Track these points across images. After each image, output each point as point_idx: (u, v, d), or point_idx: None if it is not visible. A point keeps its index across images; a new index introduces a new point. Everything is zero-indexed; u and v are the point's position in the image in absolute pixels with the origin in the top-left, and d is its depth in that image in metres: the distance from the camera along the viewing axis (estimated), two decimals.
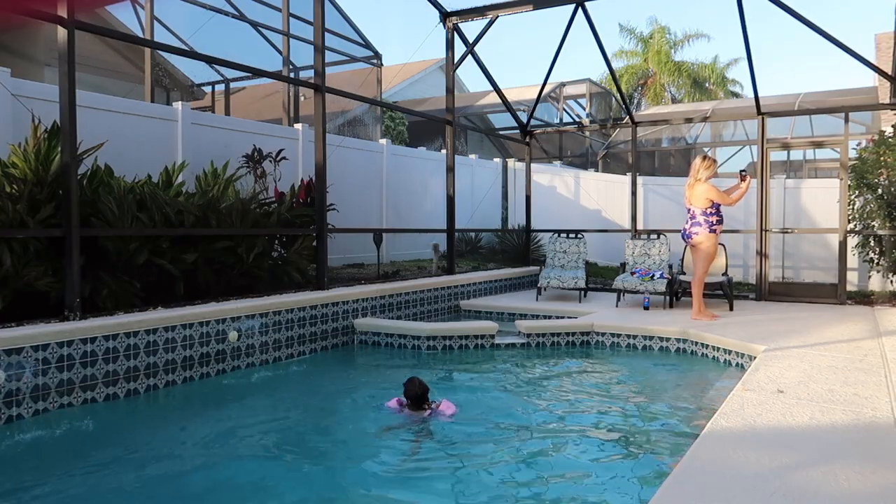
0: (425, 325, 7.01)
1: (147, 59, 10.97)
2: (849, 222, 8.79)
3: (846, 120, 8.98)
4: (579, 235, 9.67)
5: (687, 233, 7.46)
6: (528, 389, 5.37)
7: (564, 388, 5.45)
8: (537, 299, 8.93)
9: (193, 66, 12.74)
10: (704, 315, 7.22)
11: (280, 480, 3.54)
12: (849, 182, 8.73)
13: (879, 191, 8.55)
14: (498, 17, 9.29)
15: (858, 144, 10.50)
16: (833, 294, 8.68)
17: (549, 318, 7.84)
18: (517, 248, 12.32)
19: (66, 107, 4.89)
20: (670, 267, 8.59)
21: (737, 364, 5.80)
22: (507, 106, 11.21)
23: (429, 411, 4.38)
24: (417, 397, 4.40)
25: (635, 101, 28.31)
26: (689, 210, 7.44)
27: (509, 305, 8.54)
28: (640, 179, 12.58)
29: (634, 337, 6.78)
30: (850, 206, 8.84)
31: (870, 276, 10.28)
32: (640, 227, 10.67)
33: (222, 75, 12.98)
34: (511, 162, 14.15)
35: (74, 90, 4.93)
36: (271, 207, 7.21)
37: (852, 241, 8.99)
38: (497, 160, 14.52)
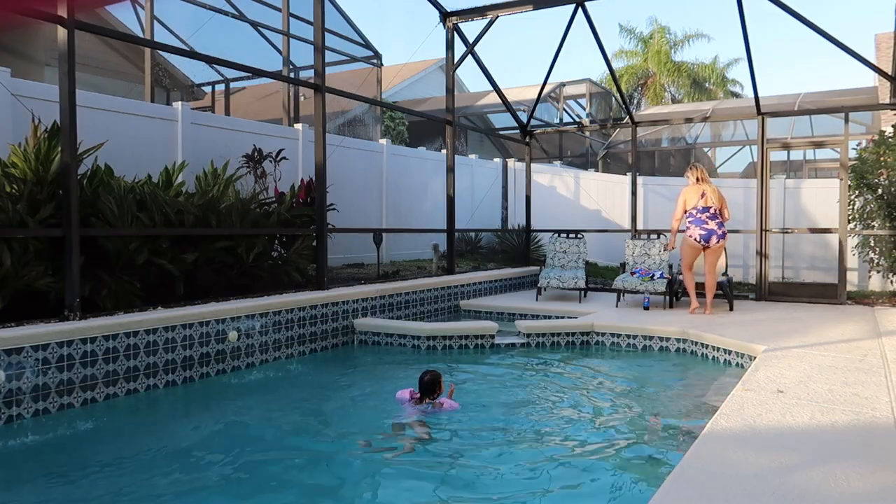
0: (425, 325, 7.01)
1: (147, 59, 10.96)
2: (849, 222, 8.79)
3: (846, 120, 8.97)
4: (579, 235, 9.67)
5: (720, 233, 7.56)
6: (527, 390, 5.37)
7: (564, 388, 5.45)
8: (537, 299, 8.93)
9: (193, 66, 12.73)
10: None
11: (280, 479, 3.54)
12: (849, 182, 8.73)
13: (879, 191, 8.55)
14: (498, 17, 9.29)
15: (858, 144, 10.51)
16: (833, 294, 8.67)
17: (549, 318, 7.83)
18: (517, 248, 12.32)
19: (66, 107, 4.88)
20: (670, 267, 8.58)
21: (737, 364, 5.80)
22: (507, 106, 11.21)
23: (430, 405, 4.45)
24: (425, 385, 4.50)
25: (635, 101, 28.30)
26: (708, 208, 7.58)
27: (509, 305, 8.54)
28: (640, 179, 12.58)
29: (634, 337, 6.78)
30: (850, 206, 8.84)
31: (870, 276, 10.29)
32: (640, 227, 10.67)
33: (222, 75, 12.98)
34: (511, 162, 14.15)
35: (74, 90, 4.93)
36: (271, 207, 7.21)
37: (852, 241, 8.98)
38: (497, 160, 14.52)
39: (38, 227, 5.03)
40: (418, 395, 4.54)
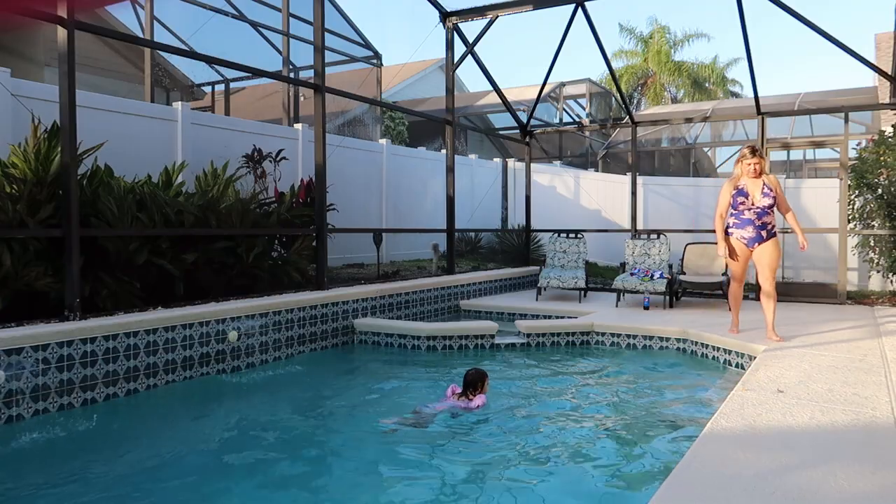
0: (425, 325, 7.01)
1: (147, 59, 10.97)
2: (849, 222, 8.79)
3: (846, 120, 8.97)
4: (579, 235, 9.66)
5: None
6: (527, 390, 5.36)
7: (564, 388, 5.45)
8: (537, 299, 8.93)
9: (193, 66, 12.74)
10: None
11: (281, 479, 3.54)
12: (849, 182, 8.73)
13: (879, 191, 8.55)
14: (498, 17, 9.29)
15: (858, 144, 10.51)
16: (833, 294, 8.67)
17: (549, 318, 7.83)
18: (517, 248, 12.32)
19: (66, 107, 4.88)
20: (670, 267, 8.58)
21: (737, 364, 5.80)
22: (507, 106, 11.20)
23: (465, 402, 4.60)
24: (468, 381, 4.71)
25: (635, 101, 28.30)
26: None
27: (509, 305, 8.54)
28: (640, 179, 12.58)
29: (634, 337, 6.78)
30: (850, 206, 8.84)
31: (870, 276, 10.28)
32: (640, 227, 10.67)
33: (222, 75, 12.98)
34: (511, 162, 14.15)
35: (74, 90, 4.92)
36: (271, 207, 7.21)
37: (852, 240, 8.98)
38: (497, 160, 14.52)
39: (38, 227, 5.03)
40: (460, 391, 4.71)
